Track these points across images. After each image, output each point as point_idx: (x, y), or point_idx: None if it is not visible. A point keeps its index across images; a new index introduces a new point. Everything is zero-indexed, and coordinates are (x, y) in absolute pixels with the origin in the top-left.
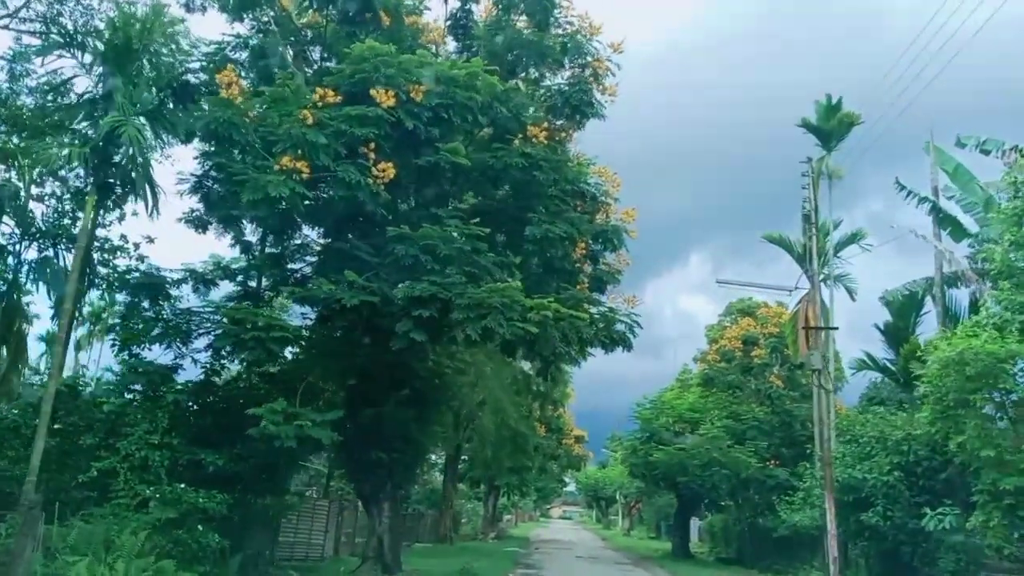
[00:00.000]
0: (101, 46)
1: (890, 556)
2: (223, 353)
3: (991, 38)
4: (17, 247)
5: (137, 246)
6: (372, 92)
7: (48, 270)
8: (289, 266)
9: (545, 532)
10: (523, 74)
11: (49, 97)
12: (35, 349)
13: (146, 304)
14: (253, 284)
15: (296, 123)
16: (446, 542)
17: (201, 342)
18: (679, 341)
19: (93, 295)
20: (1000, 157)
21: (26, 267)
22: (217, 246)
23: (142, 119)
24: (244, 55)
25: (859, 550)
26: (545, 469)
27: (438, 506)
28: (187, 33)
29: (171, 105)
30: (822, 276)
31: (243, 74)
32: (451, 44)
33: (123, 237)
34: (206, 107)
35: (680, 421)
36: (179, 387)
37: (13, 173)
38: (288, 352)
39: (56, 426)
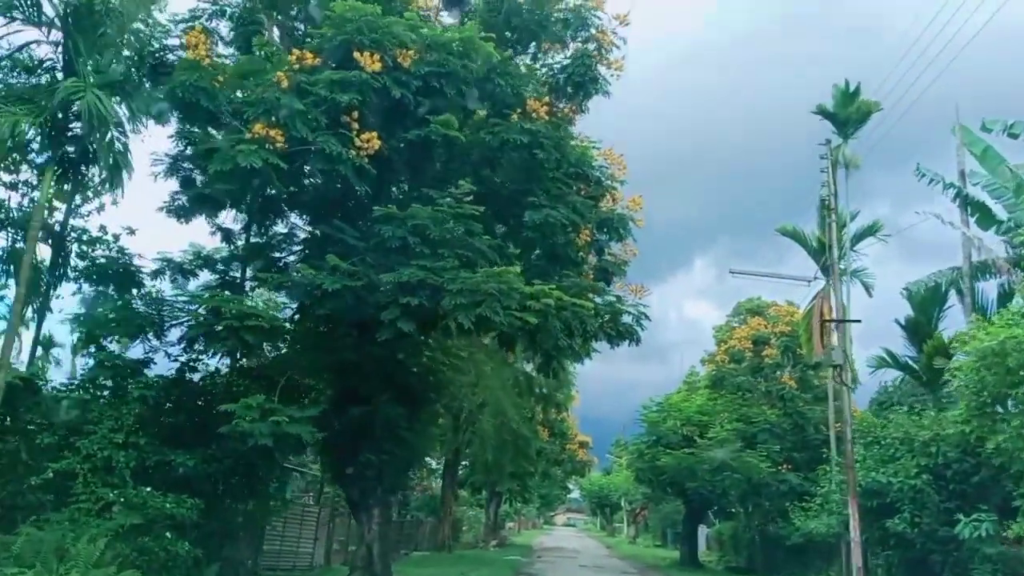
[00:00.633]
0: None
1: (917, 566)
2: (196, 346)
3: (999, 25)
4: None
5: (117, 237)
6: (356, 55)
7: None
8: (274, 256)
9: (548, 540)
10: (523, 54)
11: (3, 64)
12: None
13: (115, 294)
14: (236, 275)
15: (270, 87)
16: (445, 550)
17: (177, 336)
18: (684, 346)
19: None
20: None
21: None
22: (203, 238)
23: (105, 90)
24: (224, 24)
25: (882, 559)
26: (548, 475)
27: (437, 513)
28: (165, 7)
29: (148, 84)
30: (829, 283)
31: (222, 47)
32: (446, 19)
33: (102, 228)
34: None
35: (688, 424)
36: (147, 382)
37: None
38: (270, 347)
39: (7, 423)
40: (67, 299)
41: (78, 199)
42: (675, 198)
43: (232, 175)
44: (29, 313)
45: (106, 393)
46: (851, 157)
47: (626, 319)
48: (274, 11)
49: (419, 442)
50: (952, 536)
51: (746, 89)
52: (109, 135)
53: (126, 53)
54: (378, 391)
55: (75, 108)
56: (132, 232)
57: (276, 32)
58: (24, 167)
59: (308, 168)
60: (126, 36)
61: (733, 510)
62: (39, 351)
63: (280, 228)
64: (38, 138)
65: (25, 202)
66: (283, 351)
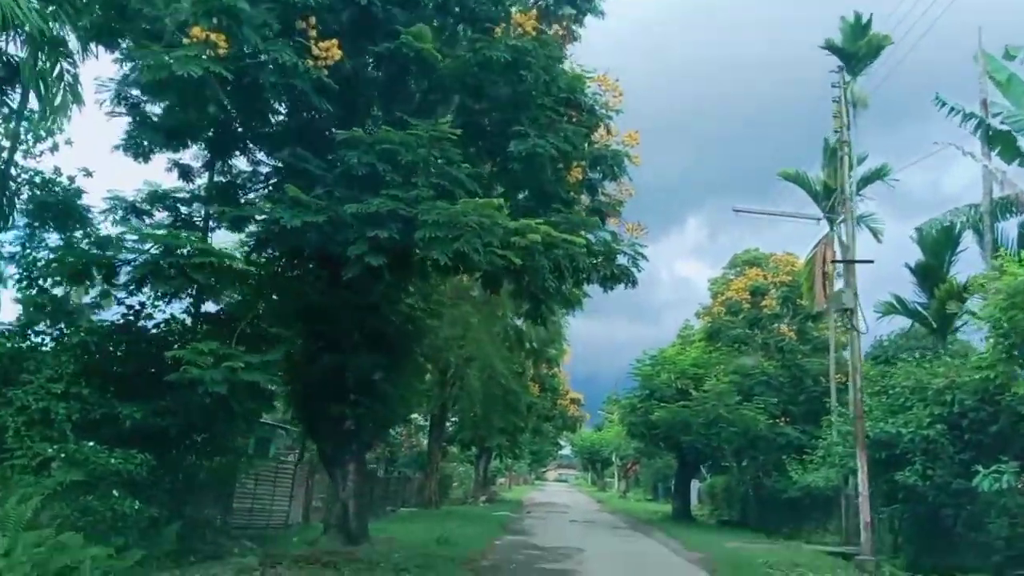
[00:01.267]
0: None
1: (927, 520)
2: (145, 290)
3: None
4: None
5: (72, 179)
6: None
7: None
8: (238, 195)
9: (539, 495)
10: None
11: None
12: None
13: (57, 233)
14: (197, 217)
15: None
16: (432, 507)
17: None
18: (677, 306)
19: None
20: None
21: None
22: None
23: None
24: None
25: (887, 513)
26: (539, 431)
27: (426, 469)
28: None
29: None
30: (842, 218)
31: None
32: None
33: (56, 170)
34: None
35: (683, 378)
36: (91, 328)
37: None
38: (233, 292)
39: None
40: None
41: (30, 139)
42: (668, 156)
43: (171, 88)
44: None
45: (46, 340)
46: (860, 95)
47: (621, 260)
48: None
49: (398, 395)
50: (967, 489)
51: (740, 44)
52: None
53: None
54: (350, 339)
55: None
56: (89, 174)
57: None
58: None
59: (262, 82)
60: None
61: (728, 464)
62: None
63: (245, 166)
64: None
65: None
66: (247, 296)
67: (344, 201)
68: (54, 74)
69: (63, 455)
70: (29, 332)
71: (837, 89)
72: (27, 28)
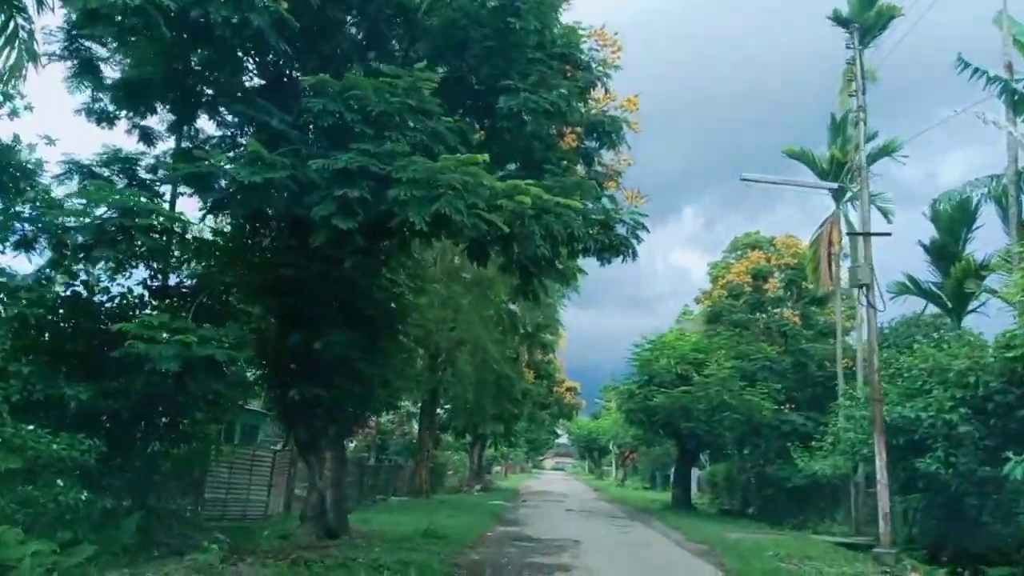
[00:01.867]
0: None
1: (949, 510)
2: (95, 256)
3: None
4: None
5: (32, 147)
6: None
7: None
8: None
9: (536, 484)
10: None
11: None
12: None
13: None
14: (161, 187)
15: None
16: (423, 496)
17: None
18: (673, 296)
19: None
20: None
21: None
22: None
23: None
24: None
25: (903, 503)
26: (535, 418)
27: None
28: None
29: None
30: (848, 196)
31: None
32: None
33: (16, 137)
34: None
35: (683, 363)
36: (31, 300)
37: None
38: (196, 264)
39: None
40: None
41: None
42: (665, 145)
43: (106, 22)
44: None
45: None
46: (869, 68)
47: (620, 230)
48: None
49: (379, 377)
50: (992, 476)
51: (742, 33)
52: None
53: None
54: (325, 316)
55: None
56: (51, 142)
57: None
58: None
59: (212, 18)
60: None
61: (729, 451)
62: None
63: (214, 131)
64: None
65: None
66: (212, 267)
67: (311, 157)
68: (7, 31)
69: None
70: None
71: (851, 50)
72: None
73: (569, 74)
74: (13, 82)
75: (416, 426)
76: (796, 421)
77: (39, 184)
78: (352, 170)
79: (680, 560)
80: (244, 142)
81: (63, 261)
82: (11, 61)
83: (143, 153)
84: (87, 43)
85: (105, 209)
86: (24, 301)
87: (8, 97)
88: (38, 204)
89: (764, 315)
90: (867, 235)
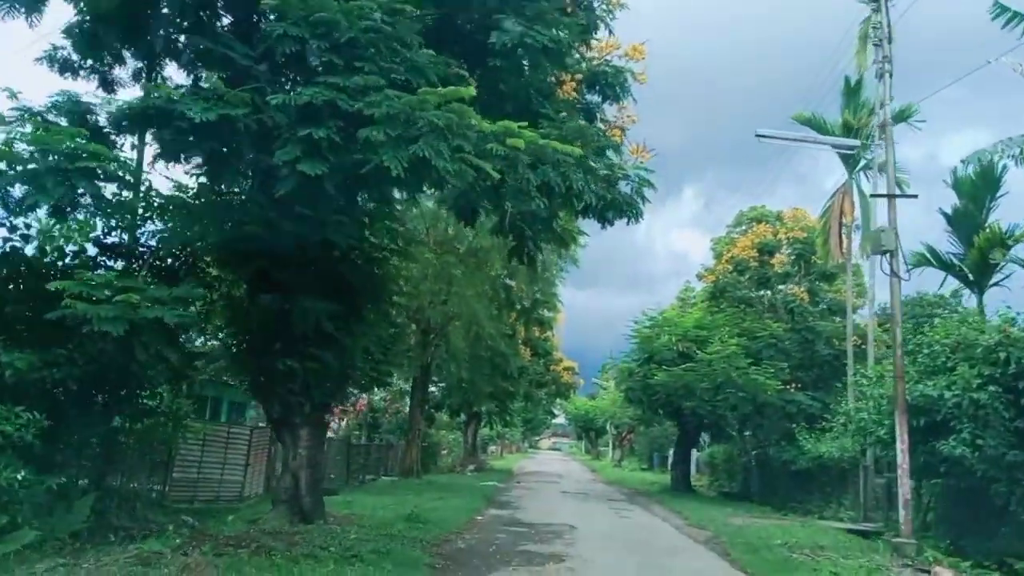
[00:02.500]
0: None
1: (973, 496)
2: (26, 203)
3: None
4: None
5: None
6: None
7: None
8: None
9: (531, 464)
10: None
11: None
12: None
13: None
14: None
15: None
16: (413, 476)
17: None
18: (671, 278)
19: None
20: None
21: None
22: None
23: None
24: None
25: (922, 488)
26: (531, 397)
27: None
28: None
29: None
30: (861, 164)
31: None
32: None
33: None
34: None
35: (684, 340)
36: None
37: None
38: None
39: None
40: None
41: None
42: (665, 125)
43: None
44: None
45: None
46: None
47: (624, 188)
48: None
49: (360, 347)
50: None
51: (740, 13)
52: None
53: None
54: (299, 279)
55: None
56: (13, 95)
57: None
58: None
59: None
60: None
61: (733, 432)
62: None
63: (184, 80)
64: None
65: None
66: (168, 222)
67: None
68: None
69: None
70: None
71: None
72: None
73: (569, 10)
74: None
75: (407, 403)
76: (802, 401)
77: None
78: (318, 106)
79: (684, 549)
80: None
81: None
82: None
83: (109, 100)
84: None
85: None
86: None
87: None
88: None
89: (770, 292)
90: (893, 197)
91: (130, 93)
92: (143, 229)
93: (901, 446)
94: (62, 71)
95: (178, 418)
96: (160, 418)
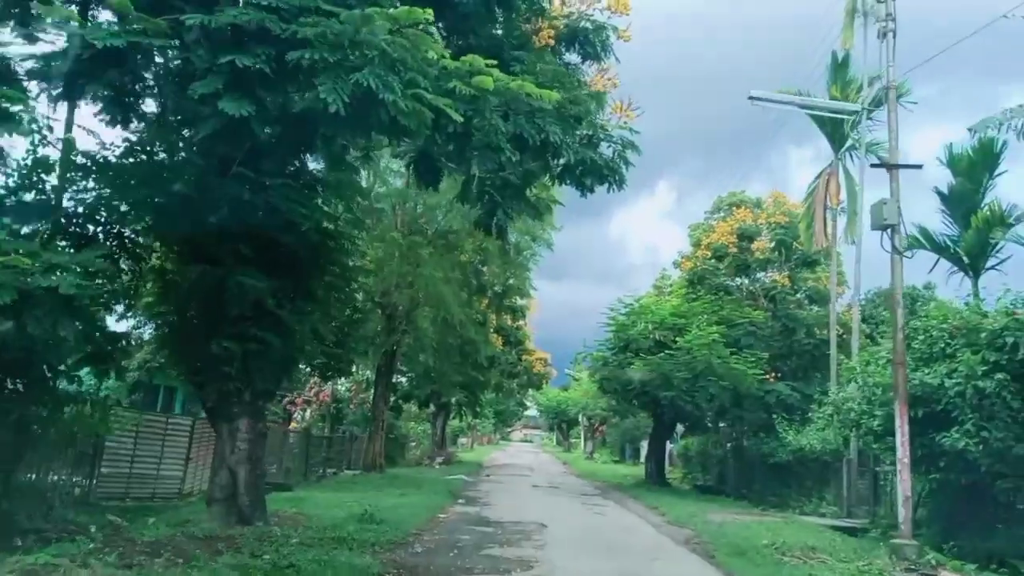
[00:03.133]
0: None
1: (974, 492)
2: None
3: None
4: None
5: None
6: None
7: None
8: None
9: (502, 456)
10: None
11: None
12: None
13: None
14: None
15: None
16: (376, 470)
17: None
18: (645, 269)
19: None
20: None
21: None
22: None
23: None
24: None
25: (918, 483)
26: (502, 387)
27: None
28: None
29: None
30: (851, 143)
31: None
32: None
33: None
34: None
35: (661, 328)
36: None
37: None
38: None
39: None
40: None
41: None
42: (639, 117)
43: None
44: None
45: None
46: (872, 4)
47: (605, 151)
48: None
49: (307, 329)
50: None
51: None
52: None
53: None
54: (236, 250)
55: None
56: None
57: None
58: None
59: None
60: None
61: (710, 424)
62: None
63: None
64: None
65: None
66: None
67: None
68: None
69: None
70: None
71: None
72: None
73: None
74: None
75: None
76: (781, 391)
77: None
78: (244, 29)
79: (665, 552)
80: None
81: None
82: None
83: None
84: None
85: None
86: None
87: None
88: None
89: (749, 279)
90: (894, 167)
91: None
92: (68, 193)
93: (901, 438)
94: None
95: (105, 407)
96: (83, 406)
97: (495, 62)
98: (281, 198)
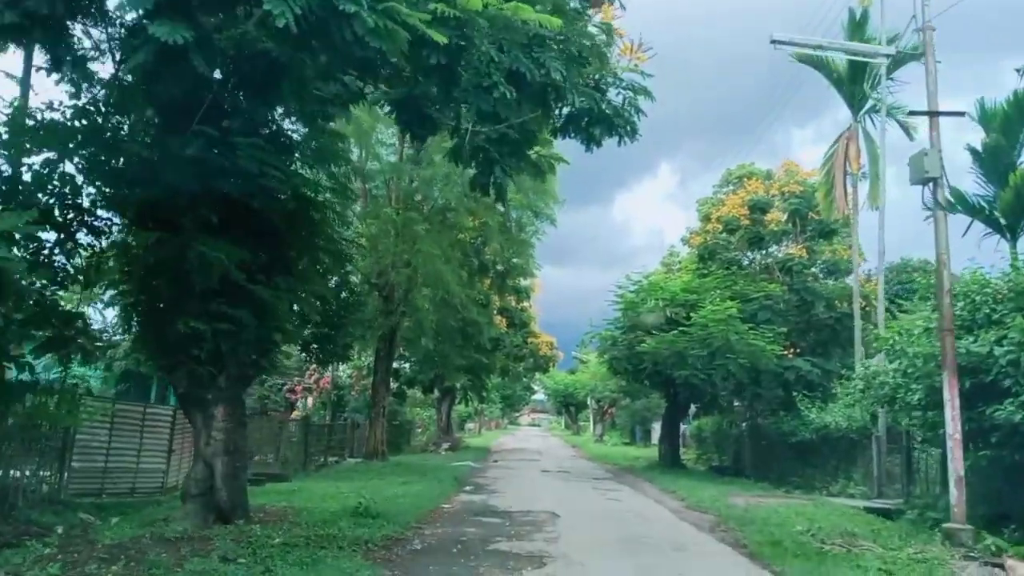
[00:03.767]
0: None
1: (1020, 471)
2: None
3: None
4: None
5: None
6: None
7: None
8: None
9: (510, 441)
10: None
11: None
12: None
13: None
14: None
15: None
16: (378, 458)
17: None
18: (647, 252)
19: None
20: None
21: None
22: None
23: None
24: None
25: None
26: (508, 371)
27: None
28: None
29: None
30: (872, 103)
31: None
32: None
33: None
34: None
35: (672, 305)
36: None
37: None
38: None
39: None
40: None
41: None
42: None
43: None
44: None
45: None
46: None
47: (614, 97)
48: None
49: (286, 305)
50: None
51: None
52: None
53: None
54: (203, 218)
55: None
56: None
57: None
58: None
59: None
60: None
61: (725, 403)
62: None
63: None
64: None
65: None
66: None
67: None
68: None
69: None
70: None
71: None
72: None
73: None
74: None
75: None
76: (801, 367)
77: None
78: None
79: (690, 542)
80: None
81: None
82: None
83: None
84: None
85: None
86: None
87: None
88: None
89: (763, 252)
90: (935, 114)
91: None
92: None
93: (952, 412)
94: None
95: (73, 397)
96: (46, 397)
97: None
98: (251, 160)
